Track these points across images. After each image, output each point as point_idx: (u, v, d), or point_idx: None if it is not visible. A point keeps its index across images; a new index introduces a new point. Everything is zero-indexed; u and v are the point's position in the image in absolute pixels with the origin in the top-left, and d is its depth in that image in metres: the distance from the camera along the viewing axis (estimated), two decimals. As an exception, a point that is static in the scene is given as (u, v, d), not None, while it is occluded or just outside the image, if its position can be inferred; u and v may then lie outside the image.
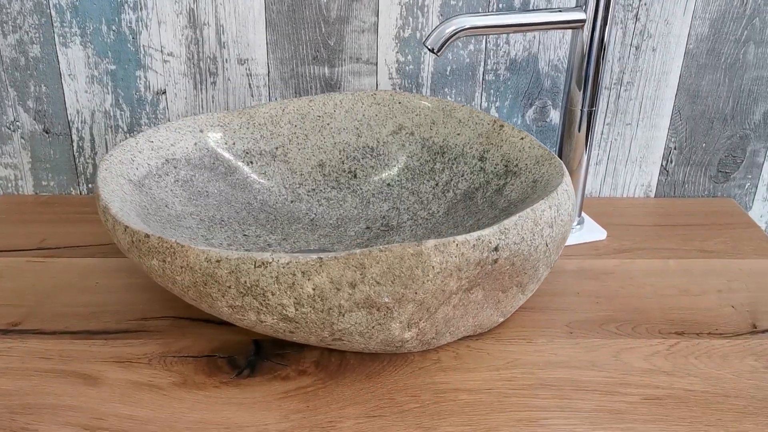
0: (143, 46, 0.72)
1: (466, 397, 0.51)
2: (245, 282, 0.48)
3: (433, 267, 0.48)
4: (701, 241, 0.71)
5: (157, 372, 0.53)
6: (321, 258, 0.47)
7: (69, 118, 0.75)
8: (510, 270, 0.52)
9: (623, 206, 0.78)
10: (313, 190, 0.69)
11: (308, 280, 0.47)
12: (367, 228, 0.66)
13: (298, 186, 0.69)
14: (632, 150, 0.78)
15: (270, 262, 0.47)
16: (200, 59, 0.73)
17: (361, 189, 0.68)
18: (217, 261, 0.48)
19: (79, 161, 0.77)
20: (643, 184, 0.80)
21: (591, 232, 0.71)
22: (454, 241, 0.48)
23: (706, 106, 0.76)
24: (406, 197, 0.67)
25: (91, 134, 0.76)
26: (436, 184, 0.66)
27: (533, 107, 0.76)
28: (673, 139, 0.77)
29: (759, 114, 0.76)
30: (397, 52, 0.73)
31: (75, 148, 0.76)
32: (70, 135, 0.76)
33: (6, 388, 0.51)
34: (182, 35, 0.72)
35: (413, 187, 0.67)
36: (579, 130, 0.67)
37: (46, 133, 0.76)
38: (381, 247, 0.47)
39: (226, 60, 0.73)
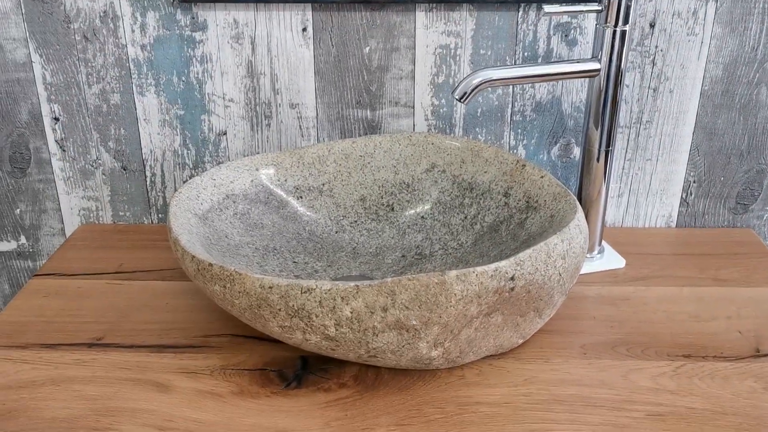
0: (208, 93, 0.82)
1: (486, 409, 0.58)
2: (293, 305, 0.56)
3: (455, 294, 0.55)
4: (716, 270, 0.76)
5: (218, 382, 0.61)
6: (357, 285, 0.55)
7: (143, 157, 0.85)
8: (526, 297, 0.59)
9: (644, 236, 0.84)
10: (355, 221, 0.77)
11: (347, 304, 0.55)
12: (403, 256, 0.73)
13: (342, 218, 0.77)
14: (653, 183, 0.83)
15: (314, 289, 0.55)
16: (257, 104, 0.82)
17: (397, 221, 0.76)
18: (270, 287, 0.56)
19: (151, 194, 0.87)
20: (664, 215, 0.85)
21: (610, 260, 0.77)
22: (474, 272, 0.55)
23: (723, 143, 0.81)
24: (438, 229, 0.74)
25: (162, 171, 0.86)
26: (465, 217, 0.73)
27: (558, 145, 0.82)
28: (692, 173, 0.83)
29: (774, 150, 0.81)
30: (432, 97, 0.81)
31: (148, 182, 0.86)
32: (144, 171, 0.86)
33: (92, 394, 0.60)
34: (242, 84, 0.81)
35: (444, 219, 0.74)
36: (597, 167, 0.73)
37: (124, 170, 0.86)
38: (409, 276, 0.55)
39: (279, 105, 0.82)
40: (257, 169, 0.76)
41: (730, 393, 0.59)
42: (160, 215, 0.88)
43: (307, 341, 0.58)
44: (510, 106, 0.81)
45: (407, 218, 0.76)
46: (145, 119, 0.83)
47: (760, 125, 0.80)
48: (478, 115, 0.81)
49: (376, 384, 0.61)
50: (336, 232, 0.76)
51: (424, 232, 0.75)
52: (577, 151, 0.82)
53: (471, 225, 0.73)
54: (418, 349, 0.58)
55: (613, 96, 0.71)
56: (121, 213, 0.88)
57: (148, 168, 0.86)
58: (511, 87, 0.80)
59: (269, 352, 0.65)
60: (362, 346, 0.57)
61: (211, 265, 0.59)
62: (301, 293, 0.55)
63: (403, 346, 0.57)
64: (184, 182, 0.86)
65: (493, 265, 0.56)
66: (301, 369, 0.63)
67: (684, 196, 0.84)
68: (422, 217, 0.76)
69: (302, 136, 0.83)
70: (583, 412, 0.58)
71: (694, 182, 0.83)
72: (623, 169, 0.83)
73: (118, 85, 0.82)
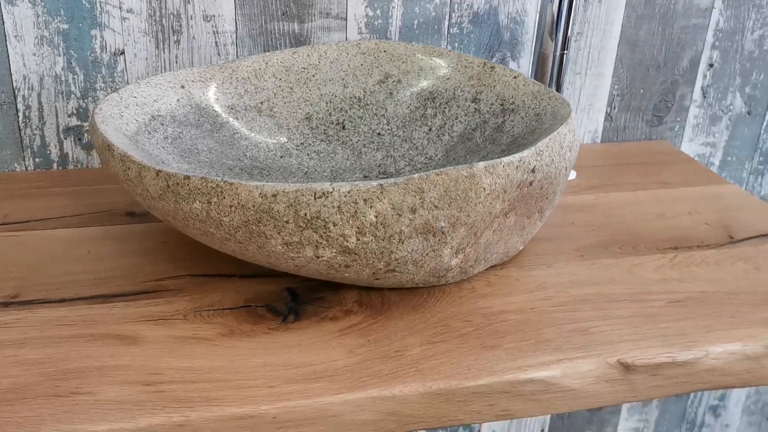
0: (100, 2, 0.67)
1: (514, 317, 0.53)
2: (305, 215, 0.46)
3: (484, 188, 0.49)
4: (656, 175, 0.77)
5: (198, 326, 0.50)
6: (381, 185, 0.47)
7: (14, 85, 0.68)
8: (538, 194, 0.55)
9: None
10: (302, 144, 0.67)
11: (370, 207, 0.47)
12: (365, 177, 0.66)
13: (285, 141, 0.67)
14: (582, 98, 0.83)
15: (331, 192, 0.46)
16: (162, 16, 0.69)
17: (351, 140, 0.68)
18: (273, 195, 0.46)
19: (24, 133, 0.70)
20: (590, 130, 0.85)
21: (563, 172, 0.75)
22: (500, 163, 0.49)
23: (644, 55, 0.83)
24: (399, 145, 0.67)
25: (39, 102, 0.69)
26: (430, 130, 0.67)
27: (494, 59, 0.79)
28: (616, 87, 0.83)
29: (686, 60, 0.84)
30: (366, 6, 0.73)
31: (21, 118, 0.69)
32: (15, 104, 0.69)
33: (34, 357, 0.46)
34: (144, -10, 0.67)
35: (405, 134, 0.68)
36: (552, 73, 0.71)
37: (-13, 102, 0.68)
38: (437, 171, 0.48)
39: (191, 17, 0.70)
40: (183, 87, 0.63)
41: (729, 276, 0.59)
42: (37, 159, 0.72)
43: (317, 259, 0.48)
44: (447, 17, 0.75)
45: (362, 136, 0.68)
46: (15, 36, 0.66)
47: (676, 35, 0.82)
48: (415, 27, 0.75)
49: (385, 307, 0.53)
50: (281, 157, 0.66)
51: (383, 149, 0.67)
52: (512, 66, 0.79)
53: (438, 137, 0.67)
54: (441, 256, 0.51)
55: (569, -5, 0.68)
56: (-18, 160, 0.70)
57: (20, 99, 0.69)
58: (449, -4, 0.74)
59: (246, 287, 0.54)
60: (384, 258, 0.49)
61: (187, 177, 0.47)
62: (315, 198, 0.46)
63: (426, 255, 0.50)
64: (69, 116, 0.70)
65: (517, 156, 0.50)
66: (292, 301, 0.53)
67: (608, 111, 0.85)
68: (378, 133, 0.68)
69: (219, 55, 0.72)
70: (610, 307, 0.54)
71: (618, 96, 0.84)
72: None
73: (-22, -10, 0.64)
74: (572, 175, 0.76)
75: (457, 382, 0.46)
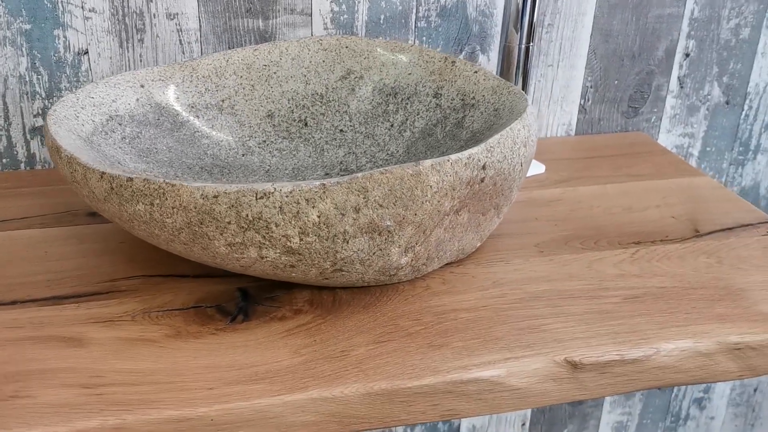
0: (62, 1, 0.67)
1: (465, 315, 0.52)
2: (247, 216, 0.46)
3: (431, 186, 0.49)
4: (628, 168, 0.77)
5: (145, 327, 0.50)
6: (324, 184, 0.46)
7: (-22, 86, 0.68)
8: (491, 191, 0.54)
9: (549, 145, 0.82)
10: (264, 141, 0.67)
11: (313, 207, 0.47)
12: (327, 174, 0.65)
13: (248, 139, 0.67)
14: (554, 90, 0.82)
15: (272, 192, 0.46)
16: (125, 15, 0.69)
17: (313, 137, 0.68)
18: (215, 197, 0.46)
19: (-9, 134, 0.70)
20: (564, 123, 0.84)
21: (531, 167, 0.75)
22: (448, 160, 0.49)
23: (617, 45, 0.82)
24: (361, 141, 0.67)
25: (4, 103, 0.69)
26: (391, 126, 0.67)
27: (463, 53, 0.78)
28: (589, 78, 0.83)
29: (662, 50, 0.83)
30: (332, 2, 0.73)
31: (-14, 119, 0.70)
32: (-20, 105, 0.69)
33: (-22, 361, 0.46)
34: (105, -11, 0.67)
35: (367, 130, 0.67)
36: (518, 67, 0.70)
37: (-48, 103, 0.68)
38: (381, 170, 0.47)
39: (154, 15, 0.69)
40: (142, 86, 0.63)
41: (690, 270, 0.58)
42: (4, 160, 0.72)
43: (261, 259, 0.48)
44: (414, 11, 0.75)
45: (324, 133, 0.68)
46: (-22, 37, 0.67)
47: (650, 25, 0.81)
48: (381, 22, 0.75)
49: (335, 306, 0.53)
50: (243, 155, 0.66)
51: (345, 146, 0.67)
52: (482, 59, 0.79)
53: (399, 133, 0.66)
54: (390, 255, 0.51)
55: (533, -13, 0.67)
56: (-50, 161, 0.71)
57: (-15, 101, 0.69)
58: (415, -11, 0.74)
59: (198, 288, 0.54)
60: (329, 258, 0.49)
61: (130, 179, 0.47)
62: (257, 199, 0.46)
63: (373, 254, 0.50)
64: (35, 116, 0.71)
65: (466, 153, 0.50)
66: (243, 301, 0.53)
67: (582, 103, 0.84)
68: (341, 130, 0.68)
69: (183, 53, 0.72)
70: (564, 304, 0.54)
71: (591, 87, 0.83)
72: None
73: (-62, -8, 0.65)
74: (541, 168, 0.75)
75: (399, 382, 0.46)
